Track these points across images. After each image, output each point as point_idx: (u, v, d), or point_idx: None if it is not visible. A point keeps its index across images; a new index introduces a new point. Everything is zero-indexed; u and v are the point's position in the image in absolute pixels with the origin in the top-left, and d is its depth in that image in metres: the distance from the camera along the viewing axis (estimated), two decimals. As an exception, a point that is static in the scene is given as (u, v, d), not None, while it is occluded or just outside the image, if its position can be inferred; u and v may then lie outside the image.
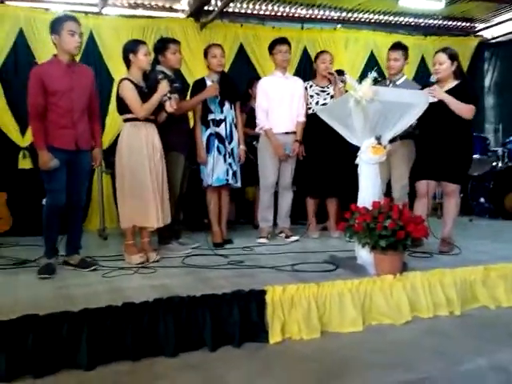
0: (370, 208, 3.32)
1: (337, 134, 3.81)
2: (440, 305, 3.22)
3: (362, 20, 7.47)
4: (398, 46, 4.71)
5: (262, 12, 6.97)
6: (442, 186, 4.24)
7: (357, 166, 3.64)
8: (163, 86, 3.93)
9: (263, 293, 2.90)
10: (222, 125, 4.61)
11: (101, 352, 2.54)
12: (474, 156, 5.92)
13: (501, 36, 7.91)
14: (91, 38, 6.11)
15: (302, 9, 7.00)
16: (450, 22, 7.80)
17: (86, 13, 6.13)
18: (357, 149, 3.63)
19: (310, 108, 4.94)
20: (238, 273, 3.56)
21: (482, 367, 2.52)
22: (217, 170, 4.54)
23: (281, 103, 4.84)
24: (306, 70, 6.97)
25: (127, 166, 3.90)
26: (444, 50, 4.15)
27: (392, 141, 3.79)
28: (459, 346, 2.76)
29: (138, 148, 3.89)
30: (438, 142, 4.07)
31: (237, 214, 6.18)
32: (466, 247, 4.21)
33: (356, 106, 3.40)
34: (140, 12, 6.52)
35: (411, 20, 7.60)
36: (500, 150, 6.50)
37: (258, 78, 5.71)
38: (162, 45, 4.48)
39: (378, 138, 3.48)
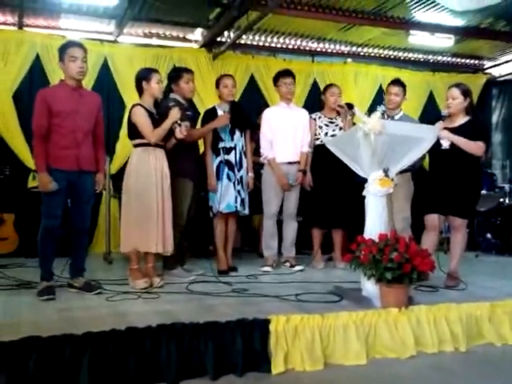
0: (377, 240, 3.31)
1: (343, 165, 3.83)
2: (445, 340, 3.18)
3: (372, 55, 7.61)
4: (397, 82, 4.83)
5: (273, 44, 7.11)
6: (450, 220, 4.24)
7: (363, 197, 3.65)
8: (174, 113, 3.99)
9: (267, 322, 2.88)
10: (232, 152, 4.66)
11: (102, 376, 2.52)
12: (482, 192, 5.94)
13: (508, 74, 8.02)
14: (105, 65, 6.26)
15: (312, 42, 7.14)
16: (458, 59, 7.91)
17: (102, 40, 6.29)
18: (363, 180, 3.64)
19: (318, 139, 4.99)
20: (242, 301, 3.54)
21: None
22: (226, 197, 4.58)
23: (285, 133, 4.91)
24: (316, 102, 7.01)
25: (134, 190, 3.93)
26: (457, 85, 4.21)
27: (402, 172, 3.81)
28: (463, 383, 2.71)
29: (147, 173, 3.93)
30: (447, 176, 4.09)
31: (242, 242, 6.18)
32: (472, 283, 4.18)
33: (364, 138, 3.42)
34: (154, 41, 6.68)
35: (420, 56, 7.72)
36: (507, 187, 6.50)
37: (268, 107, 5.78)
38: (176, 74, 4.57)
39: (386, 171, 3.49)
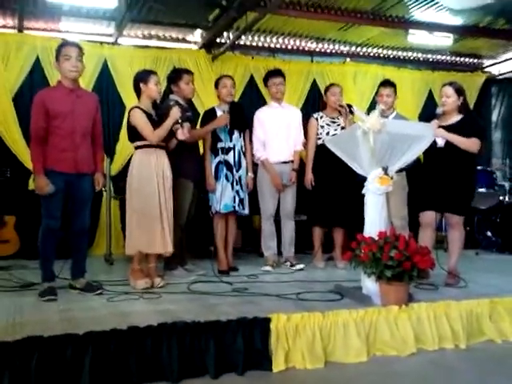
0: (376, 238, 3.32)
1: (344, 164, 3.84)
2: (445, 337, 3.19)
3: (371, 54, 7.61)
4: (389, 83, 4.88)
5: (272, 45, 7.12)
6: (446, 217, 4.26)
7: (363, 196, 3.67)
8: (175, 112, 4.00)
9: (268, 320, 2.89)
10: (231, 153, 4.68)
11: (103, 376, 2.53)
12: (481, 190, 5.97)
13: (508, 72, 8.02)
14: (105, 67, 6.27)
15: (311, 42, 7.15)
16: (457, 58, 7.91)
17: (102, 42, 6.31)
18: (363, 179, 3.66)
19: (320, 138, 4.99)
20: (243, 300, 3.55)
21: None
22: (224, 197, 4.59)
23: (278, 133, 4.93)
24: (316, 102, 7.07)
25: (136, 192, 3.95)
26: (451, 83, 4.25)
27: (398, 171, 3.83)
28: (465, 380, 2.73)
29: (149, 175, 3.94)
30: (442, 173, 4.12)
31: (243, 242, 6.19)
32: (472, 280, 4.19)
33: (363, 137, 3.44)
34: (154, 43, 6.69)
35: (420, 55, 7.72)
36: (507, 185, 6.51)
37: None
38: (176, 75, 4.59)
39: (385, 169, 3.51)
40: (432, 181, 4.19)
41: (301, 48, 7.29)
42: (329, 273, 4.74)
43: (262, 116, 5.01)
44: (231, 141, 4.69)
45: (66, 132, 3.59)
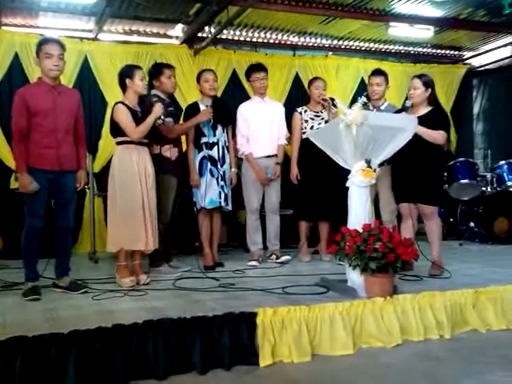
0: (361, 230, 3.34)
1: (329, 157, 3.85)
2: (430, 328, 3.23)
3: (353, 48, 7.64)
4: (379, 72, 4.85)
5: (254, 39, 7.11)
6: (419, 208, 4.30)
7: (348, 189, 3.68)
8: (157, 108, 3.98)
9: (254, 315, 2.89)
10: (215, 148, 4.66)
11: (89, 375, 2.52)
12: (464, 181, 6.02)
13: (488, 64, 8.09)
14: (86, 63, 6.21)
15: (293, 36, 7.14)
16: (438, 51, 7.97)
17: (82, 38, 6.24)
18: (348, 172, 3.67)
19: (304, 133, 4.99)
20: (229, 295, 3.55)
21: (473, 390, 2.52)
22: (209, 192, 4.57)
23: (261, 128, 4.93)
24: (299, 95, 7.08)
25: (118, 188, 3.91)
26: (419, 76, 4.30)
27: (381, 165, 3.84)
28: (450, 370, 2.76)
29: (130, 172, 3.91)
30: (410, 165, 4.16)
31: (228, 238, 6.18)
32: (456, 271, 4.23)
33: (346, 130, 3.44)
34: (135, 38, 6.64)
35: (401, 48, 7.77)
36: (489, 175, 6.57)
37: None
38: (157, 70, 4.55)
39: (368, 162, 3.52)
40: (402, 172, 4.27)
41: (283, 42, 7.29)
42: (314, 266, 4.75)
43: (244, 111, 5.00)
44: (215, 135, 4.67)
45: (48, 129, 3.54)
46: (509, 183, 6.36)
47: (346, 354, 2.97)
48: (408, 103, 4.24)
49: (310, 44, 7.41)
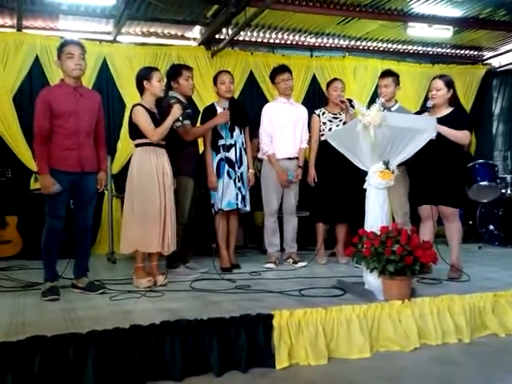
0: (378, 233, 3.31)
1: (347, 159, 3.83)
2: (449, 332, 3.18)
3: (371, 48, 7.60)
4: (387, 73, 4.79)
5: (271, 40, 7.11)
6: (440, 210, 4.25)
7: (365, 190, 3.65)
8: (176, 110, 3.99)
9: (270, 317, 2.88)
10: (232, 150, 4.66)
11: (107, 375, 2.54)
12: (483, 183, 5.94)
13: (509, 64, 7.98)
14: (105, 65, 6.27)
15: (311, 37, 7.13)
16: (457, 51, 7.89)
17: (100, 41, 6.30)
18: (366, 173, 3.64)
19: (323, 135, 4.96)
20: (245, 297, 3.54)
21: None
22: (227, 194, 4.58)
23: (284, 129, 4.89)
24: (315, 97, 7.09)
25: (136, 191, 3.94)
26: (441, 76, 4.26)
27: (399, 166, 3.81)
28: (468, 374, 2.72)
29: (148, 173, 3.93)
30: (433, 166, 4.13)
31: (245, 239, 6.19)
32: (475, 274, 4.18)
33: (364, 131, 3.42)
34: (152, 40, 6.69)
35: (419, 48, 7.71)
36: (509, 177, 6.48)
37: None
38: (175, 71, 4.55)
39: (386, 163, 3.49)
40: (424, 174, 4.22)
41: (300, 43, 7.28)
42: (331, 269, 4.74)
43: (270, 110, 4.97)
44: (232, 137, 4.67)
45: (70, 131, 3.57)
46: (529, 185, 6.27)
47: (363, 357, 2.94)
48: (429, 104, 4.19)
49: (328, 45, 7.39)
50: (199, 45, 6.70)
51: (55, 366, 2.47)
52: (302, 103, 6.43)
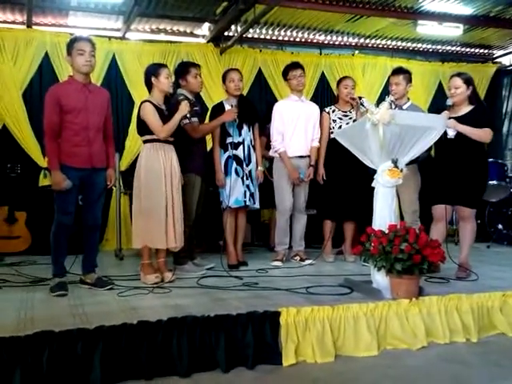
0: (386, 231, 3.30)
1: (356, 157, 3.81)
2: (456, 331, 3.17)
3: (380, 46, 7.56)
4: (398, 71, 4.72)
5: (280, 38, 7.10)
6: (458, 210, 4.22)
7: (374, 189, 3.64)
8: (183, 106, 4.00)
9: (277, 314, 2.89)
10: (240, 147, 4.66)
11: (114, 370, 2.55)
12: (492, 182, 5.90)
13: (519, 62, 7.93)
14: (114, 62, 6.28)
15: (320, 35, 7.10)
16: (467, 49, 7.83)
17: (110, 37, 6.32)
18: (375, 172, 3.63)
19: (332, 132, 4.93)
20: (253, 294, 3.54)
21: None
22: (235, 191, 4.57)
23: (296, 126, 4.87)
24: (324, 94, 7.07)
25: (144, 187, 3.95)
26: (459, 74, 4.20)
27: (408, 164, 3.79)
28: (475, 374, 2.71)
29: (156, 169, 3.94)
30: (453, 165, 4.08)
31: (252, 237, 6.19)
32: (483, 273, 4.16)
33: (373, 129, 3.41)
34: (162, 37, 6.69)
35: (429, 46, 7.66)
36: (518, 177, 6.43)
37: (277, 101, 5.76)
38: (183, 68, 4.56)
39: (395, 162, 3.48)
40: (443, 173, 4.15)
41: (309, 40, 7.26)
42: (338, 267, 4.73)
43: (281, 108, 4.94)
44: (240, 135, 4.67)
45: (80, 127, 3.58)
46: (539, 185, 6.22)
47: (370, 355, 2.94)
48: (449, 102, 4.13)
49: (337, 42, 7.37)
50: (208, 42, 6.70)
51: (63, 361, 2.48)
52: (311, 101, 6.42)
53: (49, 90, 3.62)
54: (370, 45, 7.50)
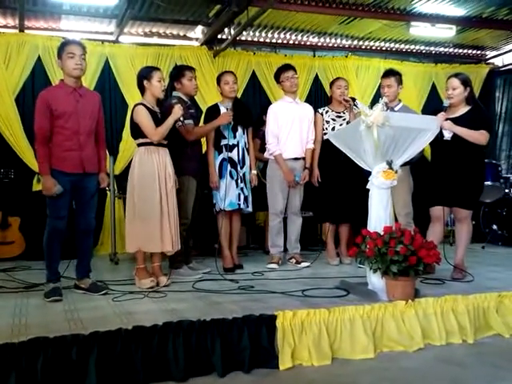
0: (382, 233, 3.30)
1: (350, 159, 3.81)
2: (453, 332, 3.18)
3: (373, 48, 7.58)
4: (389, 73, 4.72)
5: (274, 40, 7.10)
6: (454, 212, 4.22)
7: (369, 191, 3.64)
8: (177, 110, 3.99)
9: (273, 318, 2.88)
10: (235, 150, 4.65)
11: (110, 375, 2.53)
12: (487, 183, 5.89)
13: (512, 63, 7.96)
14: (107, 65, 6.25)
15: (313, 37, 7.10)
16: (460, 50, 7.86)
17: (103, 41, 6.29)
18: (369, 174, 3.63)
19: (326, 134, 4.91)
20: (248, 298, 3.53)
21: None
22: (229, 194, 4.56)
23: (291, 128, 4.85)
24: (318, 96, 7.08)
25: (137, 190, 3.93)
26: (457, 75, 4.18)
27: (402, 166, 3.79)
28: (472, 375, 2.71)
29: (150, 173, 3.92)
30: (450, 167, 4.07)
31: (248, 240, 6.17)
32: (478, 274, 4.17)
33: (367, 131, 3.41)
34: (155, 40, 6.68)
35: (422, 48, 7.68)
36: (513, 177, 6.46)
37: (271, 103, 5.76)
38: (178, 72, 4.56)
39: (390, 163, 3.48)
40: (440, 175, 4.15)
41: (303, 43, 7.26)
42: (334, 269, 4.72)
43: (276, 110, 4.93)
44: (235, 138, 4.66)
45: (71, 131, 3.57)
46: (533, 185, 6.25)
47: (367, 357, 2.94)
48: (446, 103, 4.12)
49: (330, 44, 7.37)
50: (201, 45, 6.69)
51: (58, 367, 2.47)
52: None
53: (39, 94, 3.60)
54: (363, 47, 7.51)
